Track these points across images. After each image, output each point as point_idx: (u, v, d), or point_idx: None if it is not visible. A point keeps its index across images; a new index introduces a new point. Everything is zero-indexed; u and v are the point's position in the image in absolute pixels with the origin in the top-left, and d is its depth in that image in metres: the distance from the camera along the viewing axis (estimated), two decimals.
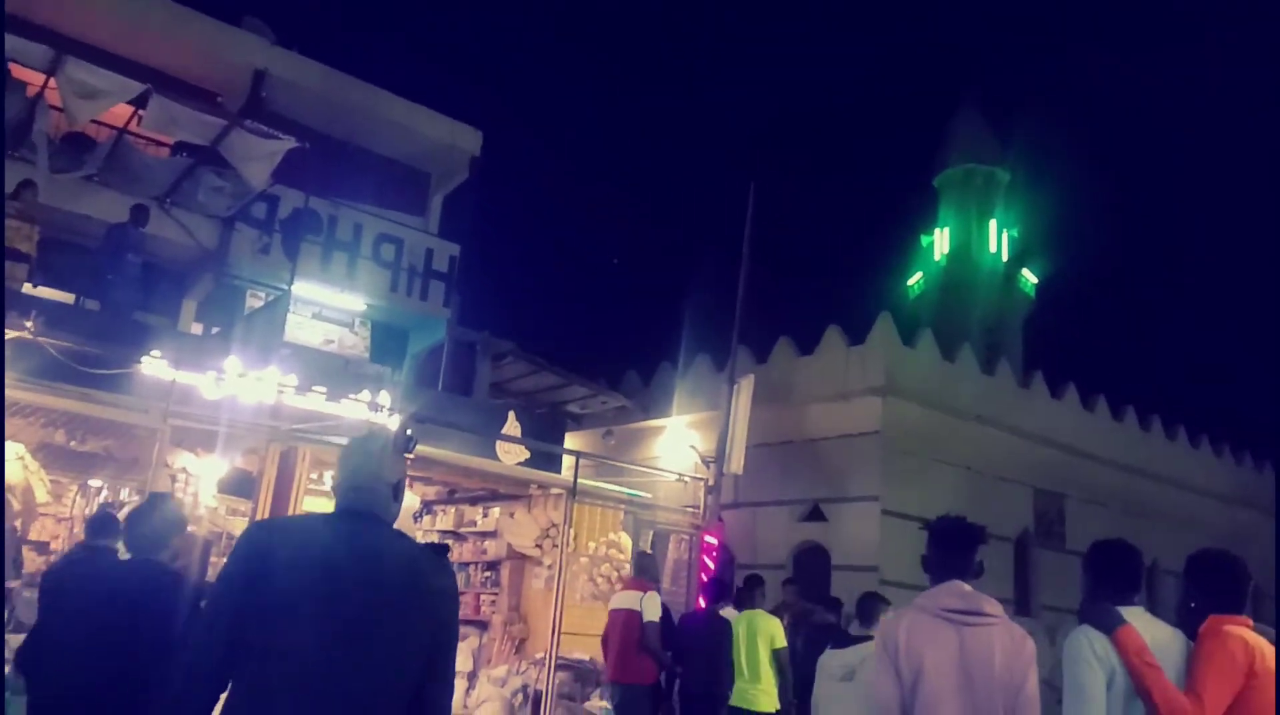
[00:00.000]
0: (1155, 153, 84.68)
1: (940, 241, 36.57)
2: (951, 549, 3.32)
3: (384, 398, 9.85)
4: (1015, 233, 36.64)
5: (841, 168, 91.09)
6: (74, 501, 11.23)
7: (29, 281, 10.07)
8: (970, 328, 31.22)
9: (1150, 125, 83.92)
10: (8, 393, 8.00)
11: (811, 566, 15.10)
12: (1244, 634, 2.98)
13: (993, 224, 35.88)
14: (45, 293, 10.83)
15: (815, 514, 15.61)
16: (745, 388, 12.18)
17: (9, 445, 8.09)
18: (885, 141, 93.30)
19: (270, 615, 2.09)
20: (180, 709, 2.11)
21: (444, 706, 2.33)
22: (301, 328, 13.66)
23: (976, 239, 35.62)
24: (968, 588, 3.22)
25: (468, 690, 10.37)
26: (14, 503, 8.78)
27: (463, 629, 9.54)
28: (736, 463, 12.12)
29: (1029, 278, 36.47)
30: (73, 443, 9.43)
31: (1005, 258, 35.84)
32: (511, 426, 11.71)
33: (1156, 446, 19.99)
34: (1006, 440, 16.50)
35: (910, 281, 37.61)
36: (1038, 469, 17.12)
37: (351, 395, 9.81)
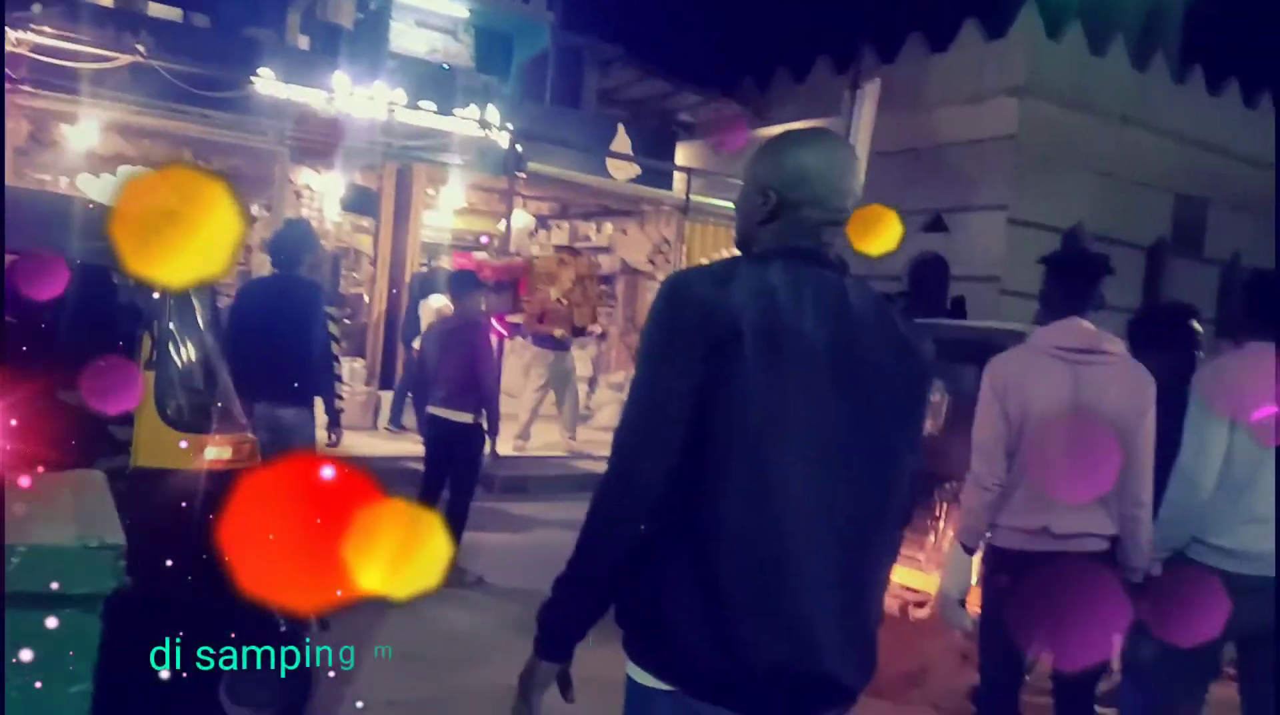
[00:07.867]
0: None
1: None
2: (1072, 283, 3.10)
3: (492, 113, 9.73)
4: None
5: None
6: None
7: None
8: (1125, 16, 28.12)
9: None
10: (128, 119, 8.23)
11: (928, 278, 14.92)
12: None
13: None
14: (154, 10, 10.78)
15: (937, 224, 15.18)
16: (870, 94, 11.47)
17: (140, 171, 8.42)
18: None
19: (747, 394, 1.47)
20: (634, 489, 1.48)
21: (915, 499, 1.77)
22: (404, 36, 13.31)
23: None
24: (1088, 325, 3.05)
25: (589, 393, 11.11)
26: None
27: (581, 338, 10.05)
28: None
29: None
30: (201, 163, 9.75)
31: None
32: (621, 141, 11.51)
33: None
34: (1151, 142, 15.35)
35: None
36: (1182, 173, 15.98)
37: (459, 110, 9.72)
